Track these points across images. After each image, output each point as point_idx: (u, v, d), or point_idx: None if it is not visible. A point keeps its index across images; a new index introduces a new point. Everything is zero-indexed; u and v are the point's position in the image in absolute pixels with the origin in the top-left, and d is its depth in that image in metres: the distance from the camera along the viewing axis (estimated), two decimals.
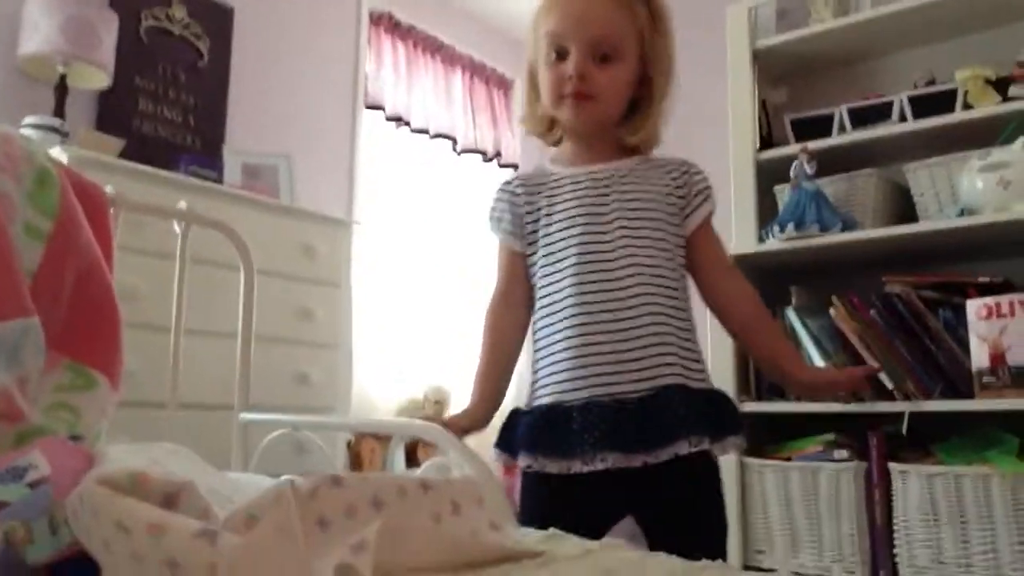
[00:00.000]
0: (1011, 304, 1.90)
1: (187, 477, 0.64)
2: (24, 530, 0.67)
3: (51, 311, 1.06)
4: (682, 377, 1.24)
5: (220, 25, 3.45)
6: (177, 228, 1.42)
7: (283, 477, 0.76)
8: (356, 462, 3.43)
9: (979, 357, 1.93)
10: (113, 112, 3.08)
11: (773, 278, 2.42)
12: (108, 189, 1.24)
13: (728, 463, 2.23)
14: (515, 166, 4.79)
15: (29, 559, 0.67)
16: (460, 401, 4.18)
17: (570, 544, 0.82)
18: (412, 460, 3.52)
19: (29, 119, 2.62)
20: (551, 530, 0.87)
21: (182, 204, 1.38)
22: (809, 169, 2.26)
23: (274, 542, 0.54)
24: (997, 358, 1.90)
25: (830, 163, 2.33)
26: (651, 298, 1.26)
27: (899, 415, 2.01)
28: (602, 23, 1.28)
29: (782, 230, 2.26)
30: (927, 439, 2.08)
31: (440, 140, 4.34)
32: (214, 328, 2.33)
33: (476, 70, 4.63)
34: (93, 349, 1.12)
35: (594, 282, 1.26)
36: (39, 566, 0.67)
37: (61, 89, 2.76)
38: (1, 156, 1.03)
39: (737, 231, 2.43)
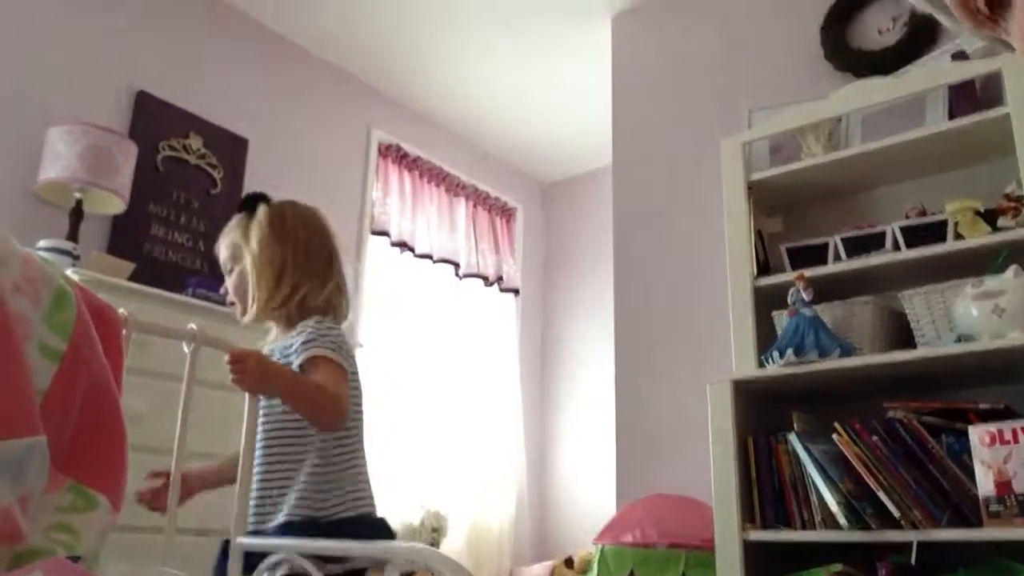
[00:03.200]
0: (1014, 431, 1.90)
1: None
2: None
3: (59, 430, 1.06)
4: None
5: (234, 154, 3.58)
6: (186, 348, 1.44)
7: None
8: None
9: (985, 485, 1.91)
10: (125, 236, 3.16)
11: (775, 403, 2.43)
12: (120, 311, 1.27)
13: None
14: (516, 291, 4.86)
15: None
16: (457, 525, 4.09)
17: None
18: None
19: (43, 242, 2.69)
20: None
21: (192, 325, 1.41)
22: (806, 296, 2.30)
23: None
24: (1003, 486, 1.88)
25: (826, 290, 2.37)
26: (273, 446, 1.65)
27: (906, 544, 1.97)
28: (221, 250, 1.88)
29: (781, 355, 2.28)
30: (935, 569, 2.03)
31: (443, 265, 4.43)
32: (216, 451, 2.31)
33: (479, 199, 4.78)
34: (97, 470, 1.12)
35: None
36: None
37: (76, 214, 2.85)
38: (20, 278, 1.06)
39: (736, 356, 2.45)
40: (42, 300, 1.08)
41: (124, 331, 1.25)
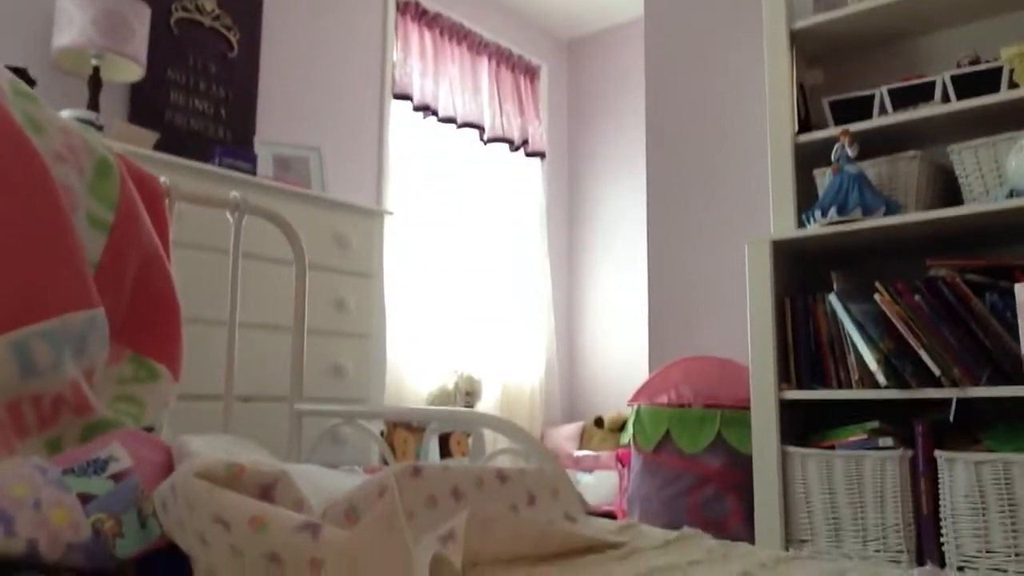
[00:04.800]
0: None
1: (280, 467, 0.63)
2: (113, 522, 0.67)
3: (114, 302, 1.06)
4: None
5: (249, 16, 3.45)
6: (230, 218, 1.41)
7: (355, 473, 0.75)
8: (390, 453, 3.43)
9: None
10: (146, 104, 3.09)
11: (813, 263, 2.40)
12: (162, 179, 1.24)
13: (769, 451, 2.21)
14: (542, 154, 4.77)
15: (119, 552, 0.67)
16: (489, 388, 4.19)
17: (649, 534, 0.81)
18: (445, 450, 3.53)
19: (65, 112, 2.64)
20: (628, 519, 0.86)
21: (235, 194, 1.38)
22: (851, 152, 2.22)
23: (380, 536, 0.54)
24: None
25: (871, 146, 2.29)
26: None
27: (945, 402, 1.99)
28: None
29: (824, 214, 2.23)
30: (974, 426, 2.06)
31: (467, 129, 4.33)
32: (255, 320, 2.34)
33: (502, 58, 4.61)
34: (155, 341, 1.12)
35: None
36: (128, 559, 0.67)
37: (95, 82, 2.77)
38: (63, 147, 1.03)
39: (776, 215, 2.40)
40: (85, 169, 1.06)
41: (167, 200, 1.23)
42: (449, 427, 2.94)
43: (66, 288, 0.95)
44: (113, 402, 1.02)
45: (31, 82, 1.53)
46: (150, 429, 0.96)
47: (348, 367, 2.95)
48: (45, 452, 0.89)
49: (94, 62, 2.77)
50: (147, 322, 1.12)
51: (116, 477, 0.72)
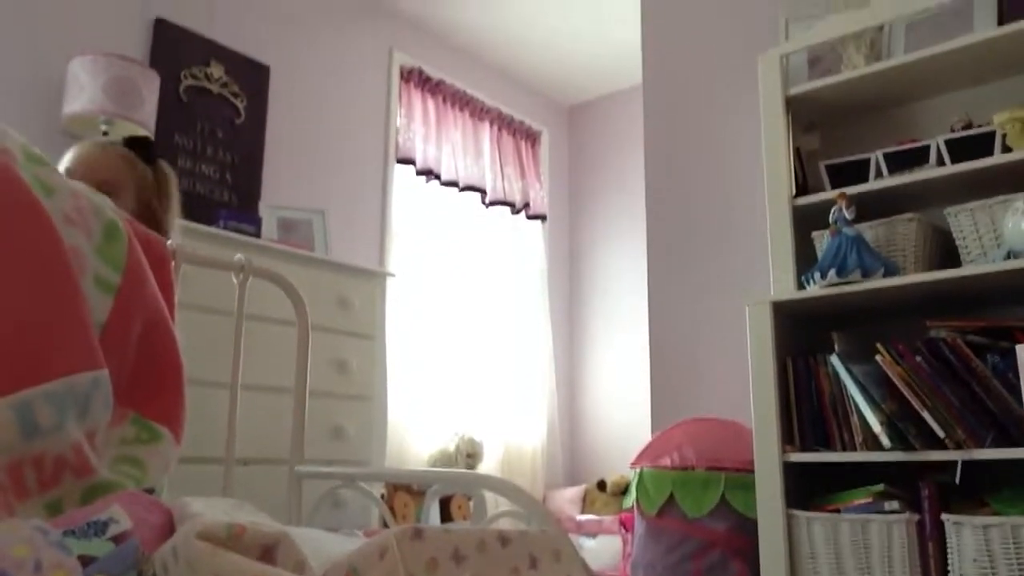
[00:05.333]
0: None
1: (281, 529, 0.63)
2: None
3: (119, 364, 1.06)
4: None
5: (256, 82, 3.53)
6: (235, 280, 1.43)
7: (348, 533, 0.75)
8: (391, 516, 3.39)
9: None
10: None
11: (814, 325, 2.40)
12: (169, 242, 1.25)
13: (774, 514, 2.19)
14: (543, 217, 4.82)
15: None
16: (491, 451, 4.15)
17: None
18: (446, 514, 3.48)
19: None
20: None
21: (239, 256, 1.40)
22: (848, 214, 2.25)
23: None
24: None
25: (868, 208, 2.32)
26: None
27: (949, 464, 1.97)
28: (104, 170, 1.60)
29: (823, 276, 2.24)
30: (980, 489, 2.04)
31: (469, 193, 4.39)
32: (257, 382, 2.34)
33: (503, 123, 4.70)
34: (158, 403, 1.12)
35: None
36: None
37: None
38: (71, 210, 1.05)
39: (775, 277, 2.42)
40: (93, 232, 1.07)
41: (173, 263, 1.24)
42: (450, 489, 2.91)
43: (71, 350, 0.96)
44: (114, 463, 1.02)
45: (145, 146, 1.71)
46: (151, 491, 0.96)
47: (349, 429, 2.93)
48: (44, 514, 0.89)
49: (103, 128, 2.83)
50: (150, 384, 1.12)
51: (116, 539, 0.71)
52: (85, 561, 0.68)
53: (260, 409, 2.23)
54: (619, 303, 4.79)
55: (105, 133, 2.83)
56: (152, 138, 1.68)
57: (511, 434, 4.38)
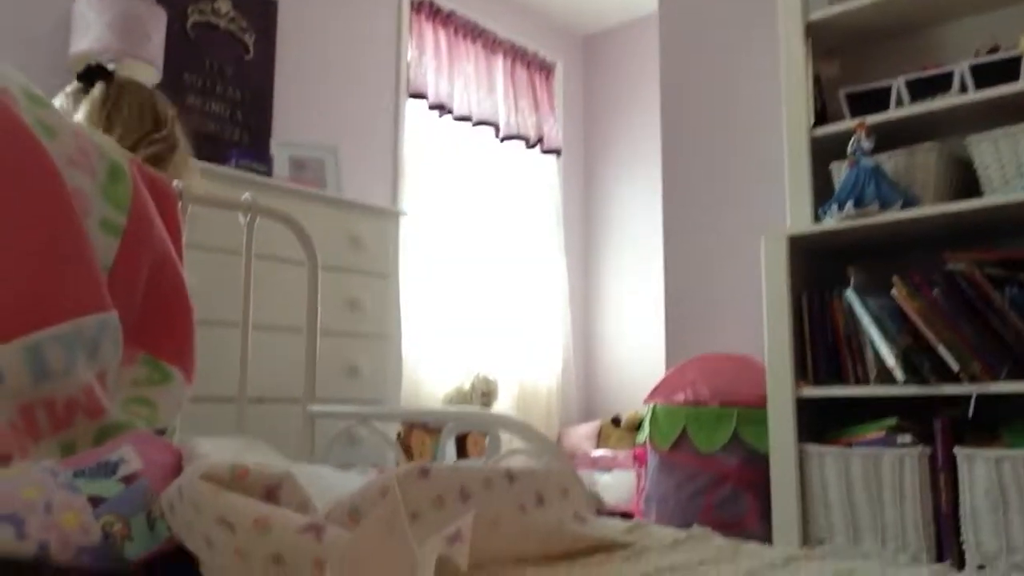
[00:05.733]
0: None
1: (285, 469, 0.64)
2: (122, 525, 0.68)
3: (127, 305, 1.07)
4: None
5: (264, 18, 3.47)
6: (242, 220, 1.42)
7: (354, 470, 0.75)
8: (406, 454, 3.44)
9: None
10: None
11: (830, 258, 2.38)
12: (175, 183, 1.24)
13: (786, 449, 2.20)
14: (558, 151, 4.76)
15: (127, 554, 0.67)
16: (506, 388, 4.19)
17: (658, 534, 0.80)
18: (462, 451, 3.53)
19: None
20: (635, 520, 0.86)
21: (247, 196, 1.39)
22: (867, 144, 2.20)
23: (382, 536, 0.54)
24: None
25: (888, 138, 2.27)
26: None
27: (964, 398, 1.97)
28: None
29: (840, 208, 2.21)
30: (994, 422, 2.03)
31: (482, 127, 4.33)
32: (270, 322, 2.35)
33: (517, 55, 4.61)
34: (168, 343, 1.13)
35: None
36: (137, 561, 0.68)
37: None
38: (74, 150, 1.04)
39: (792, 210, 2.39)
40: (97, 173, 1.07)
41: (180, 203, 1.24)
42: (463, 428, 2.94)
43: (78, 292, 0.96)
44: (126, 404, 1.03)
45: (109, 77, 1.52)
46: (162, 431, 0.97)
47: (364, 368, 2.96)
48: (59, 454, 0.90)
49: (111, 66, 2.79)
50: (160, 325, 1.12)
51: (126, 480, 0.72)
52: (95, 502, 0.69)
53: (274, 348, 2.24)
54: (635, 238, 4.75)
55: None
56: (101, 64, 1.55)
57: (526, 372, 4.40)
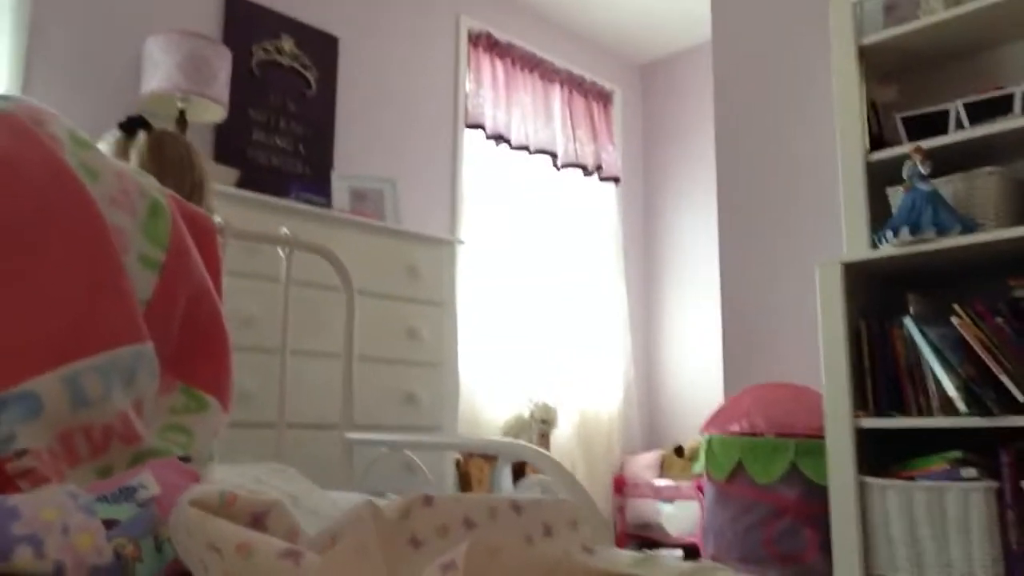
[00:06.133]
0: None
1: (275, 497, 0.66)
2: (133, 547, 0.71)
3: (164, 337, 1.11)
4: None
5: (326, 54, 3.58)
6: (282, 253, 1.47)
7: (365, 498, 0.77)
8: (465, 480, 3.45)
9: None
10: (229, 143, 3.24)
11: (888, 285, 2.31)
12: (216, 218, 1.30)
13: (845, 481, 2.13)
14: (616, 179, 4.76)
15: (139, 575, 0.70)
16: (567, 416, 4.17)
17: (664, 567, 0.79)
18: (520, 478, 3.52)
19: None
20: (644, 552, 0.85)
21: (284, 230, 1.43)
22: (924, 169, 2.15)
23: (352, 561, 0.55)
24: None
25: (946, 162, 2.21)
26: None
27: None
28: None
29: (896, 234, 2.15)
30: None
31: (540, 156, 4.36)
32: (323, 348, 2.40)
33: (574, 84, 4.64)
34: (204, 373, 1.17)
35: None
36: None
37: (181, 124, 2.92)
38: (116, 191, 1.09)
39: (848, 237, 2.33)
40: (138, 211, 1.12)
41: (220, 238, 1.28)
42: (513, 457, 2.95)
43: (115, 324, 1.01)
44: (163, 431, 1.07)
45: (149, 126, 1.66)
46: (187, 459, 1.00)
47: (421, 395, 2.99)
48: (96, 479, 0.94)
49: (180, 105, 2.92)
50: (197, 355, 1.17)
51: (143, 504, 0.75)
52: (109, 524, 0.72)
53: (322, 376, 2.29)
54: (695, 265, 4.70)
55: (182, 111, 2.93)
56: (141, 115, 1.67)
57: (587, 400, 4.38)
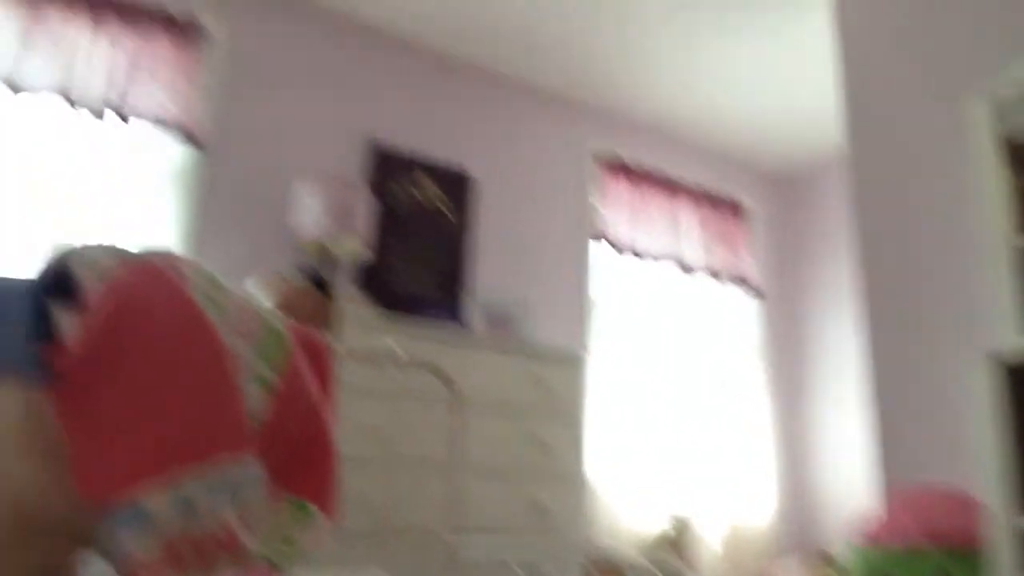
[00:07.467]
0: None
1: None
2: None
3: (276, 453, 1.21)
4: None
5: (462, 191, 3.83)
6: (394, 370, 1.56)
7: None
8: None
9: None
10: (374, 276, 3.49)
11: None
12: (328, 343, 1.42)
13: None
14: (753, 289, 4.69)
15: None
16: (714, 530, 4.01)
17: None
18: None
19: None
20: None
21: (392, 345, 1.53)
22: None
23: None
24: None
25: None
26: None
27: None
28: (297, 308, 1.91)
29: None
30: None
31: (673, 269, 4.38)
32: (430, 456, 2.49)
33: (705, 198, 4.66)
34: (311, 485, 1.26)
35: None
36: None
37: (328, 260, 3.18)
38: (239, 323, 1.23)
39: (997, 328, 2.19)
40: (259, 341, 1.25)
41: (333, 357, 1.40)
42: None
43: (226, 442, 1.11)
44: (268, 539, 1.16)
45: (323, 285, 1.98)
46: (276, 565, 1.08)
47: (551, 507, 3.00)
48: None
49: (327, 244, 3.19)
50: (305, 468, 1.26)
51: None
52: None
53: (452, 485, 2.36)
54: (840, 373, 4.51)
55: (329, 249, 3.20)
56: (327, 279, 1.94)
57: (733, 512, 4.21)
